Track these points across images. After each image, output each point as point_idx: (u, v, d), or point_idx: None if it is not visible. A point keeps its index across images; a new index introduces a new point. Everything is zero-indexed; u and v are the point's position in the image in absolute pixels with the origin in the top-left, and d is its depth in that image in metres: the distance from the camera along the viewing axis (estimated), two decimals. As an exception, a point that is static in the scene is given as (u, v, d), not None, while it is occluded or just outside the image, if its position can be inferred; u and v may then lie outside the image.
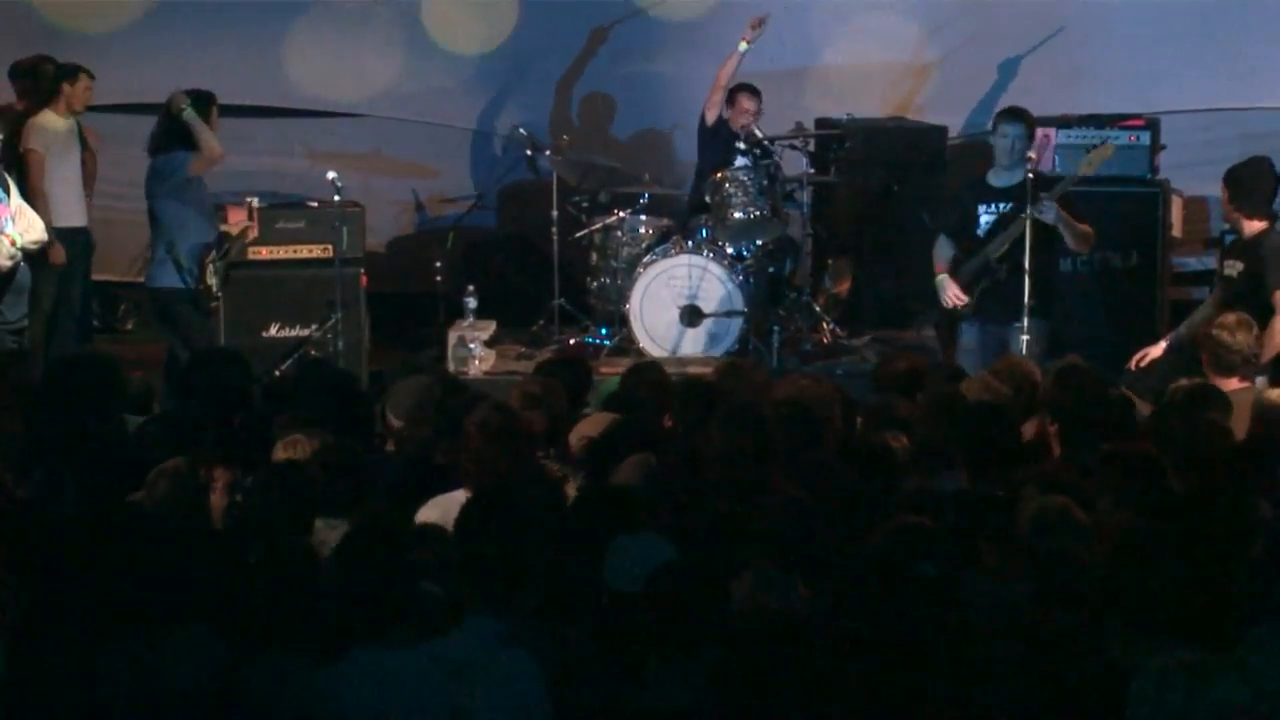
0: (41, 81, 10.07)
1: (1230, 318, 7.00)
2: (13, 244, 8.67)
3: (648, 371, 7.03)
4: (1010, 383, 6.46)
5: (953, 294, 8.48)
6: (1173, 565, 4.18)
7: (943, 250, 8.68)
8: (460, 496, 5.20)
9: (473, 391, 7.00)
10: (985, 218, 8.40)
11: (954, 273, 8.54)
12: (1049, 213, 8.11)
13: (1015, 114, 8.55)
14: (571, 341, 10.39)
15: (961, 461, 5.66)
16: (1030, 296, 8.15)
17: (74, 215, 9.86)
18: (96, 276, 10.54)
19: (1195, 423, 5.83)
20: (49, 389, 6.45)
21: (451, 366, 9.88)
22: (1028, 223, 8.12)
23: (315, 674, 3.96)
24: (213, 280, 9.00)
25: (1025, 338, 8.14)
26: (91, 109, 10.21)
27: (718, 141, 10.56)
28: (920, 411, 6.16)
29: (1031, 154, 8.35)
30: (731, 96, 10.52)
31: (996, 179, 8.46)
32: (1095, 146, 8.19)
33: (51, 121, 9.89)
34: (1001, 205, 8.34)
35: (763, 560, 4.64)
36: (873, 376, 7.52)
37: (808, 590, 4.56)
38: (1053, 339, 8.44)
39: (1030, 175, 8.23)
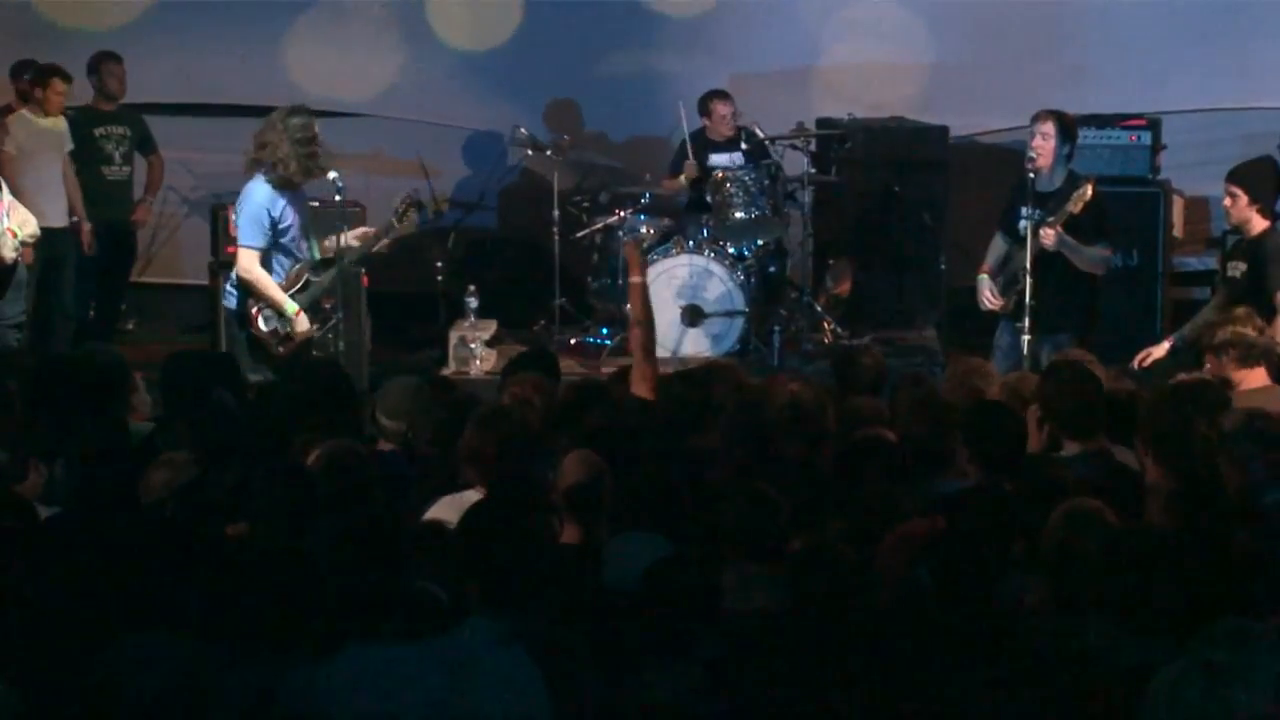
0: (20, 83, 10.15)
1: (1241, 311, 6.90)
2: (14, 236, 8.69)
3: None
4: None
5: (986, 296, 8.38)
6: (1175, 564, 4.18)
7: (993, 248, 8.51)
8: (471, 496, 5.20)
9: (463, 392, 7.00)
10: (1023, 221, 8.13)
11: (995, 274, 8.40)
12: (1047, 240, 8.01)
13: (1047, 114, 8.32)
14: (572, 341, 10.39)
15: (971, 461, 5.62)
16: (1058, 310, 8.09)
17: (52, 216, 9.83)
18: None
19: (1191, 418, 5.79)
20: (50, 385, 6.43)
21: (453, 366, 9.89)
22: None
23: (309, 672, 3.95)
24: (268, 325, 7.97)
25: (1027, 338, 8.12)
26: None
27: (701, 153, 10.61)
28: (909, 411, 6.14)
29: (1033, 154, 8.29)
30: (704, 107, 10.54)
31: (1040, 181, 8.24)
32: (1078, 187, 8.09)
33: (25, 123, 9.93)
34: (1039, 211, 8.10)
35: (737, 556, 4.63)
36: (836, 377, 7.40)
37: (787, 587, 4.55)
38: None
39: (1032, 176, 8.21)
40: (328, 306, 8.09)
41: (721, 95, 10.62)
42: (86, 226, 10.16)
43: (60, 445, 5.81)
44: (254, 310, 7.91)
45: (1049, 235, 7.98)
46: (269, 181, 7.82)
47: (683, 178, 10.51)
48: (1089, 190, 7.99)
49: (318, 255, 8.13)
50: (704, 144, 10.63)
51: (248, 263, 7.85)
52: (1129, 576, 4.13)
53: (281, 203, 7.86)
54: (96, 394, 6.31)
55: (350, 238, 8.20)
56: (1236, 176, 7.99)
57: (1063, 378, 6.02)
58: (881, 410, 6.25)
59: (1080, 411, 5.86)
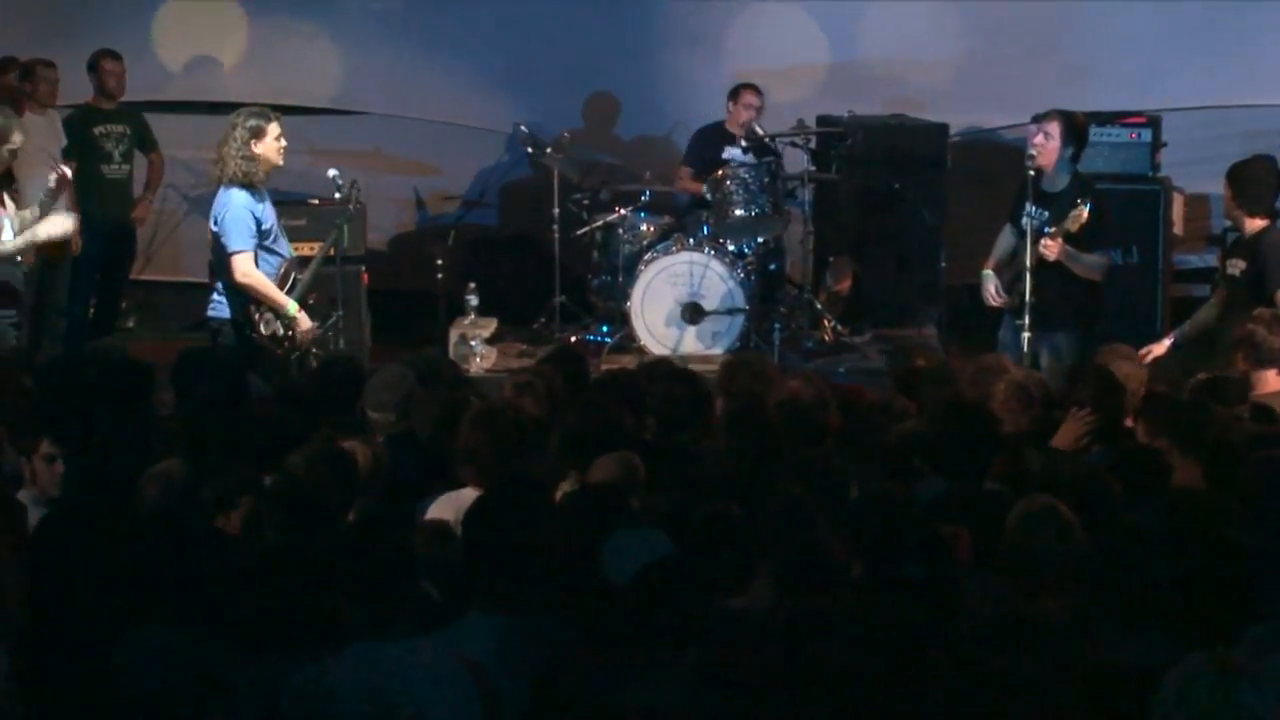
0: (12, 82, 10.13)
1: (1266, 313, 6.88)
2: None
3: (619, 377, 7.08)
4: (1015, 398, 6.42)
5: (991, 292, 8.33)
6: (1173, 561, 4.18)
7: (999, 244, 8.45)
8: (469, 494, 5.19)
9: (473, 389, 7.03)
10: (1025, 219, 8.09)
11: (1001, 269, 8.35)
12: (1050, 253, 7.95)
13: (1055, 114, 8.23)
14: (573, 339, 10.40)
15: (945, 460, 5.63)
16: (1059, 309, 8.05)
17: None
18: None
19: (1210, 413, 5.83)
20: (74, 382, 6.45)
21: (453, 364, 9.89)
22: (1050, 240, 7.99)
23: (313, 670, 3.94)
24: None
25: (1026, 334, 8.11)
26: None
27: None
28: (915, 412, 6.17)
29: (1033, 152, 8.25)
30: (735, 93, 10.53)
31: (1044, 181, 8.18)
32: (1083, 192, 8.06)
33: (26, 121, 9.91)
34: (1043, 212, 8.05)
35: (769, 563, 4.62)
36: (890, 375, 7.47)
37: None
38: (1084, 352, 7.91)
39: (1033, 174, 8.19)
40: (311, 302, 8.13)
41: (753, 87, 10.57)
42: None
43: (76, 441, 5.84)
44: (256, 316, 7.94)
45: (1052, 249, 7.91)
46: (240, 185, 7.89)
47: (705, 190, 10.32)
48: (1084, 213, 7.88)
49: (294, 252, 8.24)
50: (723, 136, 10.62)
51: (245, 266, 7.90)
52: (1109, 571, 4.17)
53: (259, 204, 7.95)
54: (118, 391, 6.34)
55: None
56: (1228, 175, 8.00)
57: (1093, 387, 6.13)
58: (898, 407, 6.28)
59: (1106, 421, 6.07)
